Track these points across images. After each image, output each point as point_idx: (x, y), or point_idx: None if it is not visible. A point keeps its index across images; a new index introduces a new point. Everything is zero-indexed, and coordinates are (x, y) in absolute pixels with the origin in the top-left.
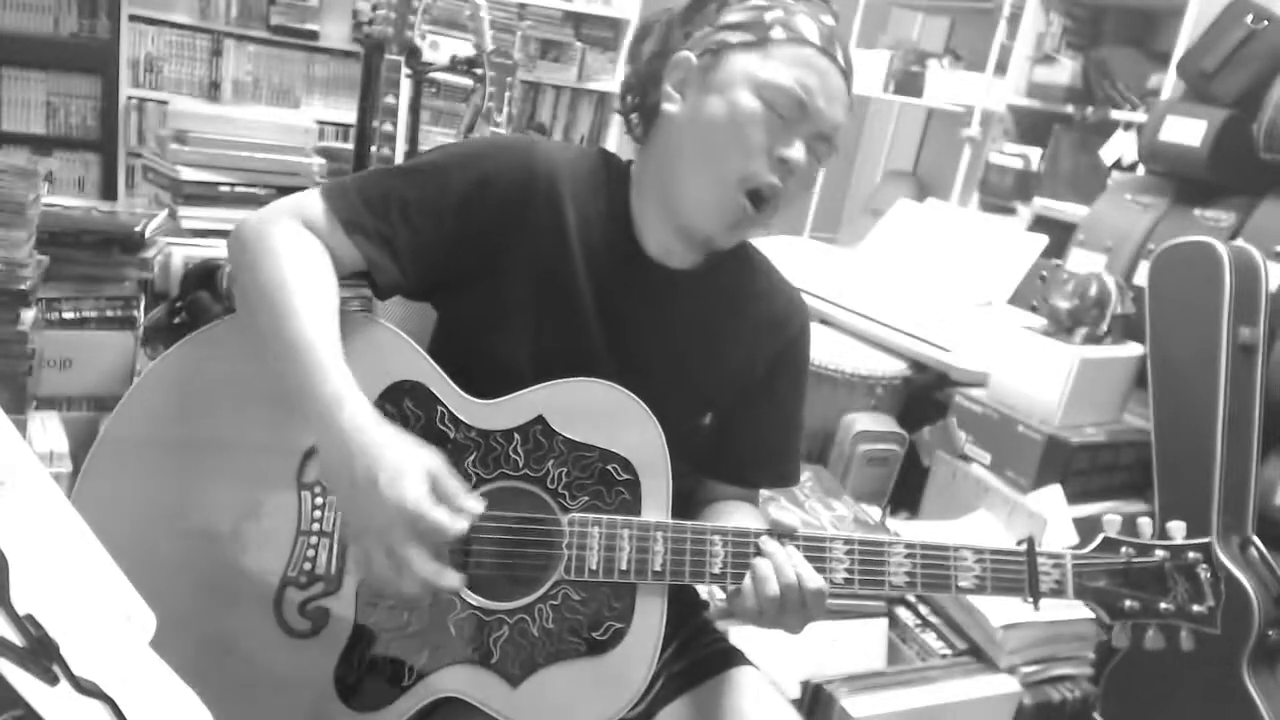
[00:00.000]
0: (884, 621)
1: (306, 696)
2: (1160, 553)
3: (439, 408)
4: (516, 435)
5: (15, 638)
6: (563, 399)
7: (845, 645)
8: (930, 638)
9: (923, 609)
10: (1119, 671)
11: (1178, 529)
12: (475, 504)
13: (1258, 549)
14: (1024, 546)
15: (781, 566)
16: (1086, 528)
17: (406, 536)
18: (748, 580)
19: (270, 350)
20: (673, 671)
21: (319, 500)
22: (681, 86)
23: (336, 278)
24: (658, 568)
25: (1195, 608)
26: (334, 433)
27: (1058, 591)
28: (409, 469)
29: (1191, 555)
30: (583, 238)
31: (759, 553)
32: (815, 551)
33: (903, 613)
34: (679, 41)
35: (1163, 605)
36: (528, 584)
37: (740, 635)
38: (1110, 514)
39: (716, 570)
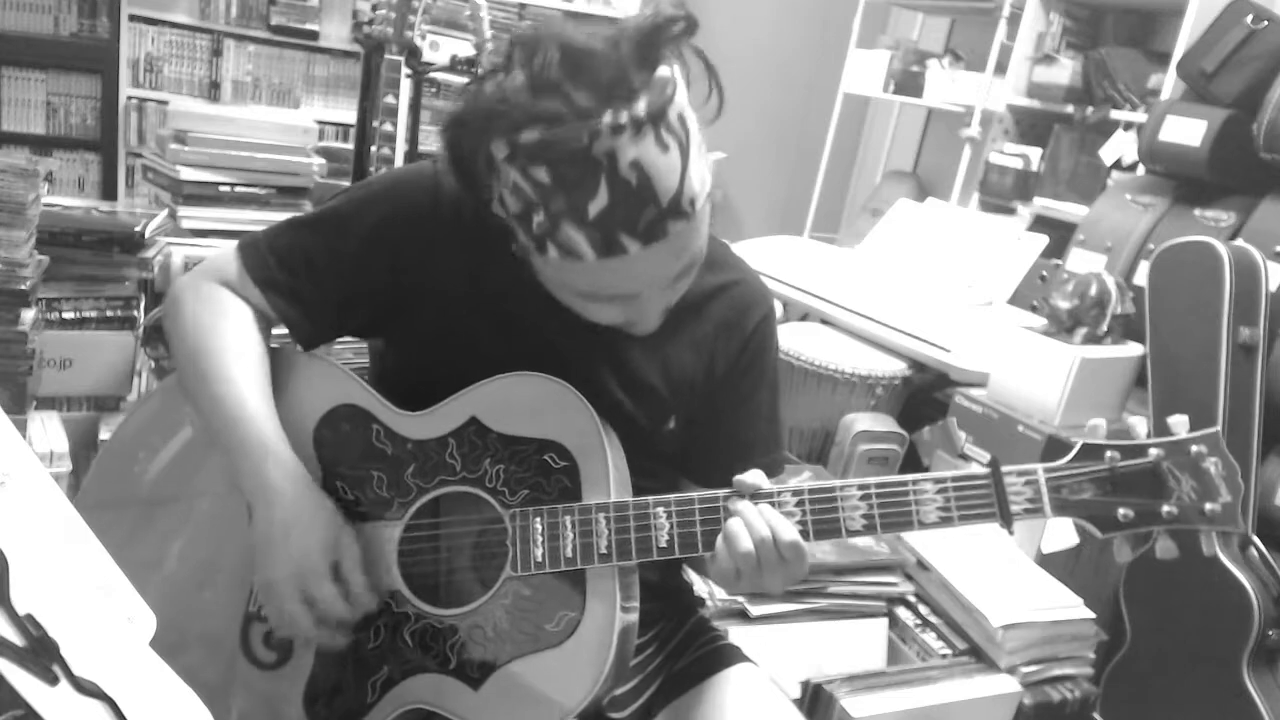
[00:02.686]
0: (884, 621)
1: None
2: (1154, 451)
3: (374, 426)
4: (451, 440)
5: (15, 638)
6: (493, 397)
7: (845, 645)
8: (930, 638)
9: (923, 609)
10: (1119, 671)
11: (1180, 424)
12: (368, 599)
13: (1258, 549)
14: (989, 469)
15: (752, 522)
16: None
17: (295, 597)
18: (720, 542)
19: (201, 413)
20: (672, 670)
21: None
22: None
23: (260, 328)
24: (604, 550)
25: (1209, 506)
26: (260, 489)
27: (1034, 511)
28: (312, 544)
29: (1195, 449)
30: (507, 255)
31: (728, 514)
32: None
33: (903, 613)
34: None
35: (1165, 509)
36: (481, 585)
37: (739, 634)
38: (1095, 420)
39: (664, 543)
